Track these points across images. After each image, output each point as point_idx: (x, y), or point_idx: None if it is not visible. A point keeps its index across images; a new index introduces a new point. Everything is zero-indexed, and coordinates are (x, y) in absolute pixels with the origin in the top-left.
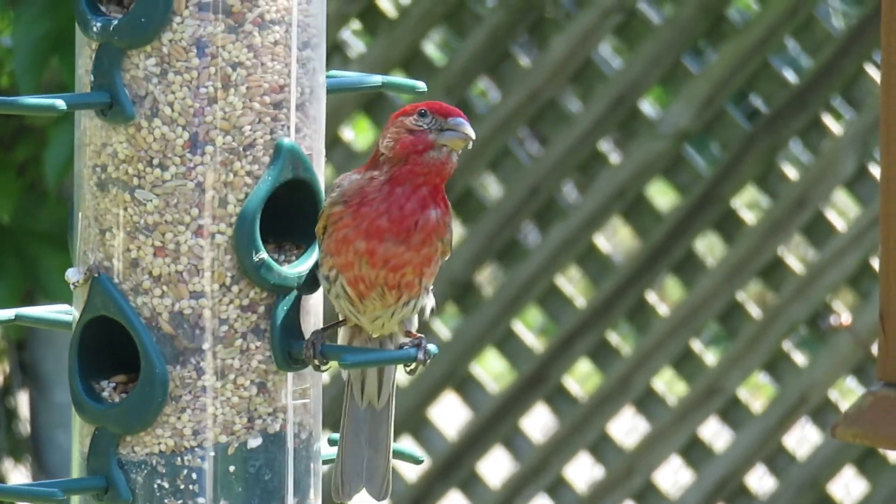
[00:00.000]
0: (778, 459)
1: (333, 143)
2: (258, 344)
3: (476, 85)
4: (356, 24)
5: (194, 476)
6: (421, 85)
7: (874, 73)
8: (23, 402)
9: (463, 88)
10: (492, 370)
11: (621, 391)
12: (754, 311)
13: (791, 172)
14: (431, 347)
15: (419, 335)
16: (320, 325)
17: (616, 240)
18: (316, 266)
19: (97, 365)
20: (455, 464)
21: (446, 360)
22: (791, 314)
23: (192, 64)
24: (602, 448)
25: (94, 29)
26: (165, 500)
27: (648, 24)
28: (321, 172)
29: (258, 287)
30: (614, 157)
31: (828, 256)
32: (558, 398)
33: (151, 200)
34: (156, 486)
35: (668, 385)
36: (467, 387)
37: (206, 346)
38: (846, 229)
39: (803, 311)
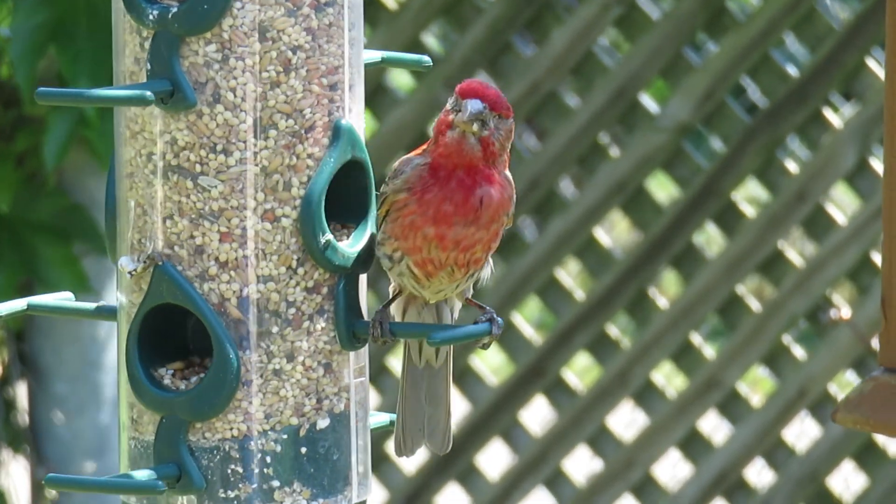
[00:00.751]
0: (777, 453)
1: None
2: (323, 325)
3: (476, 77)
4: None
5: (268, 459)
6: (426, 59)
7: (875, 66)
8: (21, 392)
9: (462, 81)
10: (490, 363)
11: (620, 384)
12: (754, 305)
13: (791, 166)
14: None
15: (486, 307)
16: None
17: (615, 233)
18: (369, 243)
19: (153, 353)
20: (453, 456)
21: None
22: (791, 308)
23: (253, 49)
24: (601, 441)
25: (151, 17)
26: (240, 485)
27: (648, 17)
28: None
29: (322, 268)
30: (614, 150)
31: (827, 250)
32: (557, 391)
33: (216, 186)
34: (229, 471)
35: (668, 378)
36: (466, 379)
37: (275, 329)
38: (846, 223)
39: (803, 304)
